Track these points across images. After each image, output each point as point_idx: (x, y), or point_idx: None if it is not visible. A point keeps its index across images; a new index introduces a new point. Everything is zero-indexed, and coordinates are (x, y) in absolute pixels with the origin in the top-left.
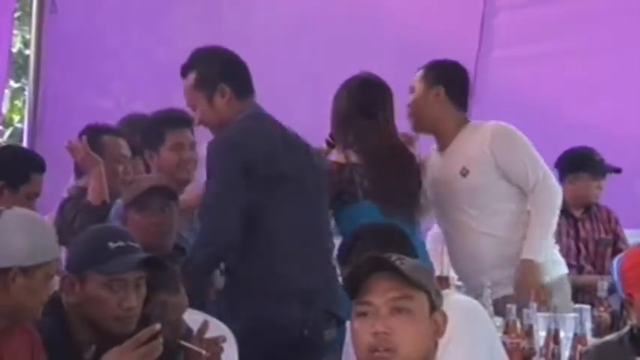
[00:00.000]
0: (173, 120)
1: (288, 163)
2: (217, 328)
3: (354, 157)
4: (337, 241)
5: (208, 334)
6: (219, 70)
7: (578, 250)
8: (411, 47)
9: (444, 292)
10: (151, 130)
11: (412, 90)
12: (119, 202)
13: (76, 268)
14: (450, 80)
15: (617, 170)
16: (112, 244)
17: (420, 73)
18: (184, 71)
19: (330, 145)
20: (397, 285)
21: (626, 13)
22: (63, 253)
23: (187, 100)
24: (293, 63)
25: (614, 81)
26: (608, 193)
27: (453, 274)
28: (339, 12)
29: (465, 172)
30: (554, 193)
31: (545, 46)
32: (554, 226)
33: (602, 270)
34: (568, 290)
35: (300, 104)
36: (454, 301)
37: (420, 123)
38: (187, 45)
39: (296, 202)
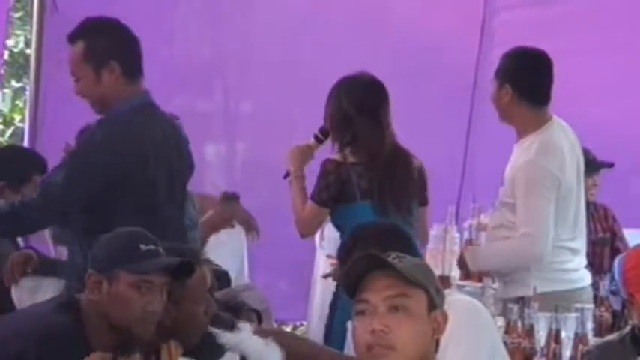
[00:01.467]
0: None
1: (157, 173)
2: None
3: (351, 157)
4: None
5: None
6: (110, 44)
7: None
8: (411, 47)
9: (445, 291)
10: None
11: (491, 84)
12: None
13: (104, 267)
14: (516, 77)
15: (610, 165)
16: (143, 247)
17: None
18: (73, 39)
19: (318, 141)
20: (394, 283)
21: (627, 13)
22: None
23: (72, 69)
24: (293, 63)
25: (614, 81)
26: (607, 193)
27: (454, 274)
28: (340, 12)
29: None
30: (524, 251)
31: (545, 46)
32: (495, 268)
33: (600, 269)
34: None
35: (301, 104)
36: (455, 300)
37: (500, 116)
38: (188, 45)
39: (155, 211)
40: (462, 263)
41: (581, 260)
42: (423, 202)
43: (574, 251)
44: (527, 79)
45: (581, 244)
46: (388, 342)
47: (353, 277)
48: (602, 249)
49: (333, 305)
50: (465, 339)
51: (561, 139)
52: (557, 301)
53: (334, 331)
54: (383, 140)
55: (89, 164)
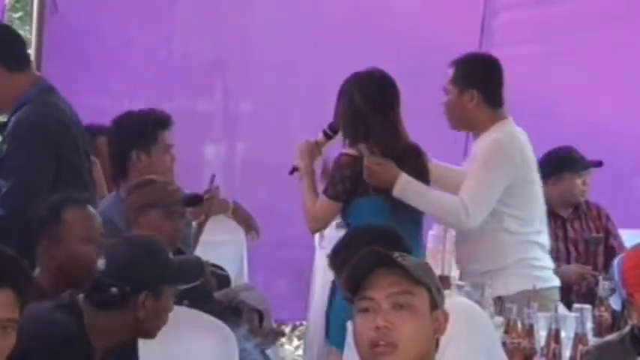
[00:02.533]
0: (164, 120)
1: (80, 145)
2: (218, 327)
3: (366, 151)
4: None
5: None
6: None
7: (568, 252)
8: (411, 47)
9: (445, 292)
10: (144, 130)
11: (446, 91)
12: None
13: (150, 284)
14: (481, 81)
15: (599, 164)
16: (170, 255)
17: (450, 74)
18: None
19: (327, 137)
20: (398, 280)
21: (627, 13)
22: None
23: None
24: (293, 63)
25: (614, 81)
26: (608, 193)
27: (454, 274)
28: (340, 12)
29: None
30: (454, 215)
31: (546, 46)
32: (422, 209)
33: (594, 268)
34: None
35: (301, 104)
36: (455, 304)
37: (456, 123)
38: (188, 45)
39: (82, 184)
40: (378, 175)
41: (550, 259)
42: None
43: (543, 247)
44: (490, 83)
45: (546, 240)
46: (391, 339)
47: (357, 274)
48: (596, 248)
49: (332, 299)
50: (464, 341)
51: (518, 132)
52: (537, 299)
53: (333, 325)
54: (397, 137)
55: (33, 165)
